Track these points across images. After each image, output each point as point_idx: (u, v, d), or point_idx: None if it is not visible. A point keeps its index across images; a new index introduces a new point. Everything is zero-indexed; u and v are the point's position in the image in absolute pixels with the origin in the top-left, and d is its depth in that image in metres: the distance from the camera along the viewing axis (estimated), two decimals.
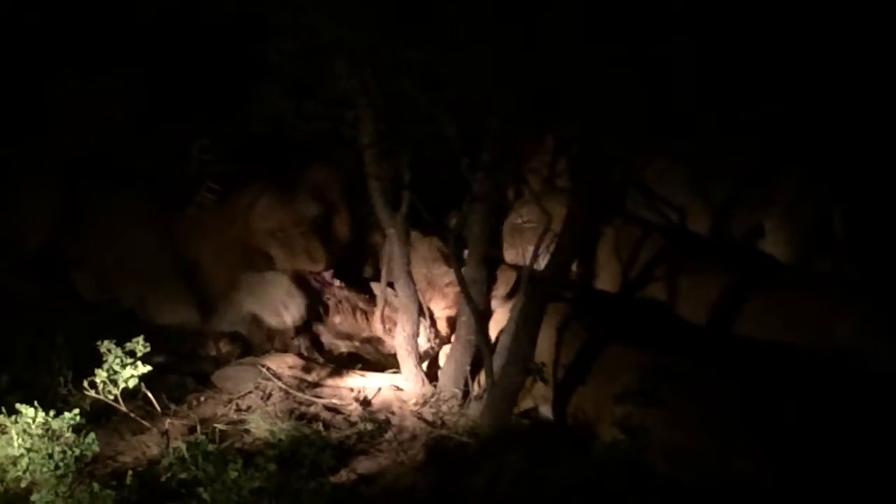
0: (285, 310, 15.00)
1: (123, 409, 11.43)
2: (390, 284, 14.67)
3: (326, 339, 15.09)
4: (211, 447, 10.46)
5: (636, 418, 11.14)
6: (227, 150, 13.68)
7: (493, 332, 13.26)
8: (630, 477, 10.48)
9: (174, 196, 15.05)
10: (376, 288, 15.95)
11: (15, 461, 9.73)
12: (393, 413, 12.68)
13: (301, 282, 15.41)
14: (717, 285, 13.52)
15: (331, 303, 15.33)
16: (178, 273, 15.31)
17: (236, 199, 15.54)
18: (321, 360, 14.32)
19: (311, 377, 13.52)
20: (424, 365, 13.75)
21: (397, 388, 13.30)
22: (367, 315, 15.39)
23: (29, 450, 9.74)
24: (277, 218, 15.66)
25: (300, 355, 14.31)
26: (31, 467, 9.66)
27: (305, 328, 15.12)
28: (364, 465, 11.26)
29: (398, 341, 13.54)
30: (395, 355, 13.80)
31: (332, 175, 15.92)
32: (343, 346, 15.01)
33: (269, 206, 15.69)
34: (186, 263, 15.46)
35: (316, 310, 15.31)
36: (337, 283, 15.68)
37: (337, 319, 15.22)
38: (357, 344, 15.08)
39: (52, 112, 15.45)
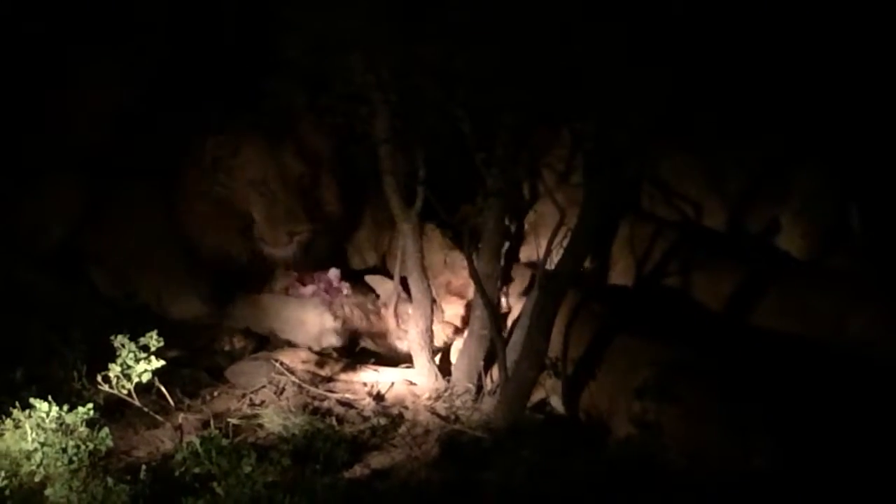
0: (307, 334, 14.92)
1: (137, 403, 11.46)
2: (403, 279, 14.64)
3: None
4: (225, 442, 10.45)
5: (651, 414, 11.09)
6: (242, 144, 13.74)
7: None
8: (645, 473, 10.46)
9: (186, 190, 15.09)
10: (376, 283, 16.01)
11: (29, 455, 9.74)
12: (406, 408, 12.68)
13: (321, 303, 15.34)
14: (732, 280, 13.47)
15: (342, 313, 15.24)
16: (190, 267, 15.33)
17: (222, 144, 15.53)
18: (334, 354, 14.31)
19: (325, 372, 13.53)
20: (437, 358, 13.75)
21: (410, 383, 13.30)
22: (378, 313, 15.36)
23: (43, 444, 9.74)
24: (262, 168, 15.58)
25: (313, 350, 14.30)
26: (44, 462, 9.66)
27: None
28: (378, 460, 11.25)
29: (411, 336, 13.53)
30: (407, 350, 13.80)
31: (323, 138, 15.83)
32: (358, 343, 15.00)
33: (253, 154, 15.59)
34: (193, 252, 15.53)
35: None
36: (345, 290, 15.62)
37: (353, 325, 15.15)
38: (369, 340, 15.06)
39: (66, 107, 15.49)
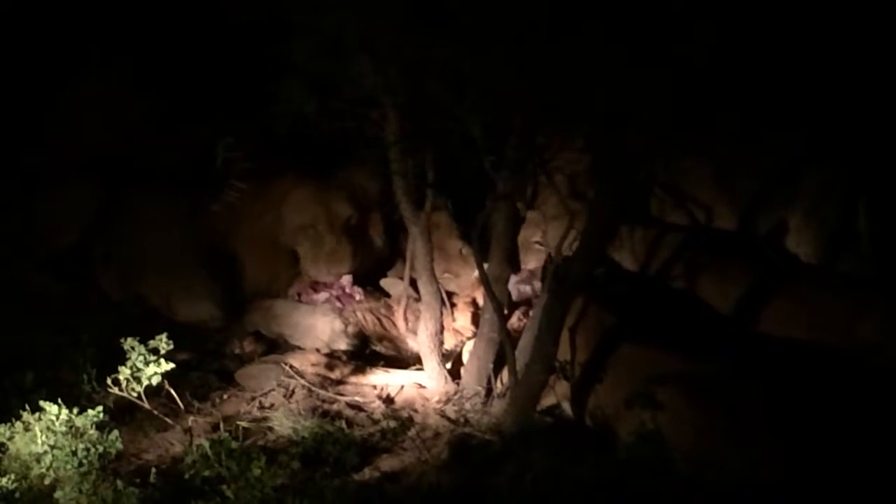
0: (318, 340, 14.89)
1: (147, 406, 11.46)
2: (413, 282, 14.64)
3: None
4: (234, 445, 10.46)
5: (657, 420, 11.09)
6: (251, 148, 13.69)
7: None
8: (654, 477, 10.45)
9: (200, 194, 15.10)
10: (388, 285, 16.05)
11: (39, 458, 9.75)
12: (416, 410, 12.67)
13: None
14: (740, 283, 13.44)
15: (354, 319, 15.25)
16: (203, 271, 15.34)
17: (271, 188, 15.61)
18: (344, 357, 14.31)
19: (334, 375, 13.52)
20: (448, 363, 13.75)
21: (420, 386, 13.29)
22: (390, 317, 15.37)
23: (53, 447, 9.76)
24: (311, 212, 15.75)
25: (322, 352, 14.29)
26: (54, 464, 9.68)
27: None
28: (388, 463, 11.26)
29: (421, 339, 13.52)
30: (417, 353, 13.80)
31: (369, 179, 15.94)
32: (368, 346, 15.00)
33: (303, 199, 15.79)
34: (214, 259, 15.51)
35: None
36: (357, 296, 15.63)
37: (364, 329, 15.16)
38: (379, 343, 15.06)
39: (78, 112, 15.53)
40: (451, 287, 15.80)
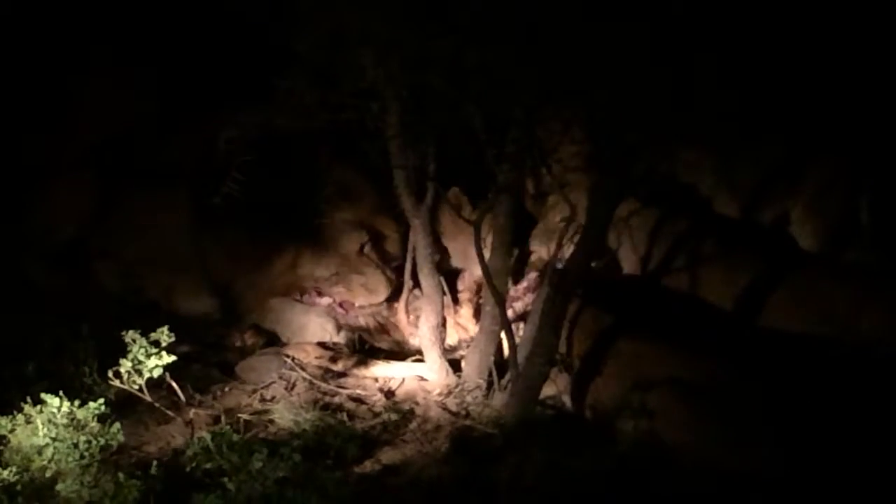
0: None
1: (148, 399, 11.45)
2: (414, 275, 14.64)
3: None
4: (235, 437, 10.46)
5: (653, 416, 11.11)
6: (252, 142, 13.68)
7: None
8: (654, 469, 10.46)
9: (200, 187, 15.09)
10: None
11: (40, 451, 9.75)
12: (417, 403, 12.69)
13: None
14: (743, 274, 13.43)
15: (354, 323, 15.27)
16: (203, 265, 15.34)
17: (277, 262, 15.76)
18: (345, 350, 14.32)
19: (335, 367, 13.54)
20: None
21: (421, 379, 13.30)
22: (391, 318, 15.41)
23: (54, 439, 9.75)
24: (324, 265, 15.83)
25: (323, 345, 14.32)
26: (55, 457, 9.67)
27: None
28: (389, 456, 11.28)
29: (422, 332, 13.53)
30: (418, 346, 13.81)
31: (379, 202, 16.01)
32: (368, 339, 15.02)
33: (311, 262, 15.86)
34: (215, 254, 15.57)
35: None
36: (359, 302, 15.66)
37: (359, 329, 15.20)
38: (380, 335, 15.07)
39: (77, 107, 15.51)
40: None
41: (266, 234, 15.58)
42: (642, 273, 14.57)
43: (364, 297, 15.63)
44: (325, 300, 15.41)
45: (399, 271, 15.79)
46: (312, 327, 14.78)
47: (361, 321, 15.17)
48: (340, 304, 15.39)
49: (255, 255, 15.64)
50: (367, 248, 16.01)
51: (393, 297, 15.80)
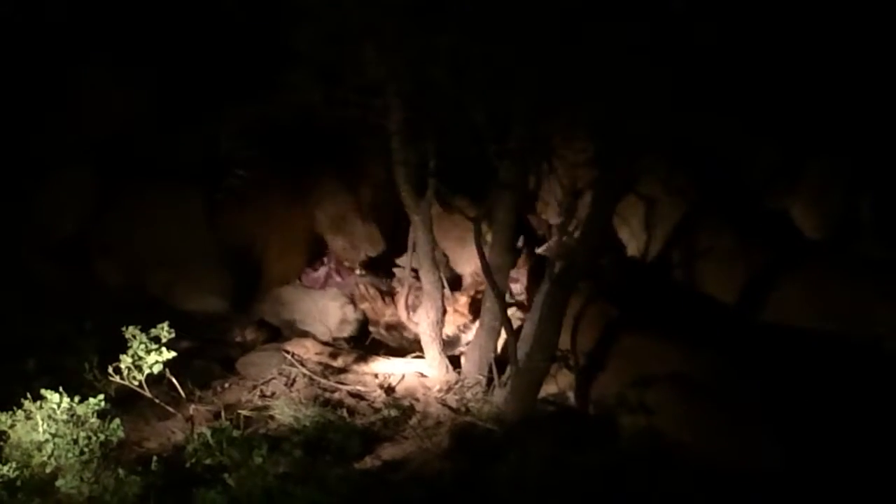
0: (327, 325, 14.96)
1: (148, 394, 11.45)
2: (415, 270, 14.63)
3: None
4: (236, 433, 10.48)
5: (656, 410, 11.10)
6: (254, 137, 13.71)
7: None
8: (655, 465, 10.45)
9: (202, 183, 15.11)
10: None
11: (40, 446, 9.76)
12: (417, 399, 12.67)
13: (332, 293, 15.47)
14: (749, 268, 13.42)
15: (360, 296, 15.28)
16: (205, 260, 15.33)
17: (305, 195, 15.88)
18: (345, 345, 14.31)
19: (335, 363, 13.53)
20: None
21: (421, 375, 13.28)
22: (393, 299, 15.41)
23: (54, 435, 9.76)
24: (341, 202, 15.95)
25: (323, 341, 14.31)
26: (56, 453, 9.69)
27: None
28: (389, 452, 11.28)
29: (422, 327, 13.51)
30: (418, 341, 13.79)
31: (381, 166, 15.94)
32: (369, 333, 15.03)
33: (331, 195, 15.95)
34: (220, 249, 15.55)
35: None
36: (358, 270, 15.66)
37: (364, 306, 15.20)
38: (381, 330, 15.07)
39: (79, 104, 15.53)
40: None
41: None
42: (646, 267, 14.53)
43: (368, 249, 15.86)
44: (322, 271, 15.49)
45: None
46: (332, 311, 14.96)
47: (363, 289, 15.28)
48: (337, 271, 15.43)
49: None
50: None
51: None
